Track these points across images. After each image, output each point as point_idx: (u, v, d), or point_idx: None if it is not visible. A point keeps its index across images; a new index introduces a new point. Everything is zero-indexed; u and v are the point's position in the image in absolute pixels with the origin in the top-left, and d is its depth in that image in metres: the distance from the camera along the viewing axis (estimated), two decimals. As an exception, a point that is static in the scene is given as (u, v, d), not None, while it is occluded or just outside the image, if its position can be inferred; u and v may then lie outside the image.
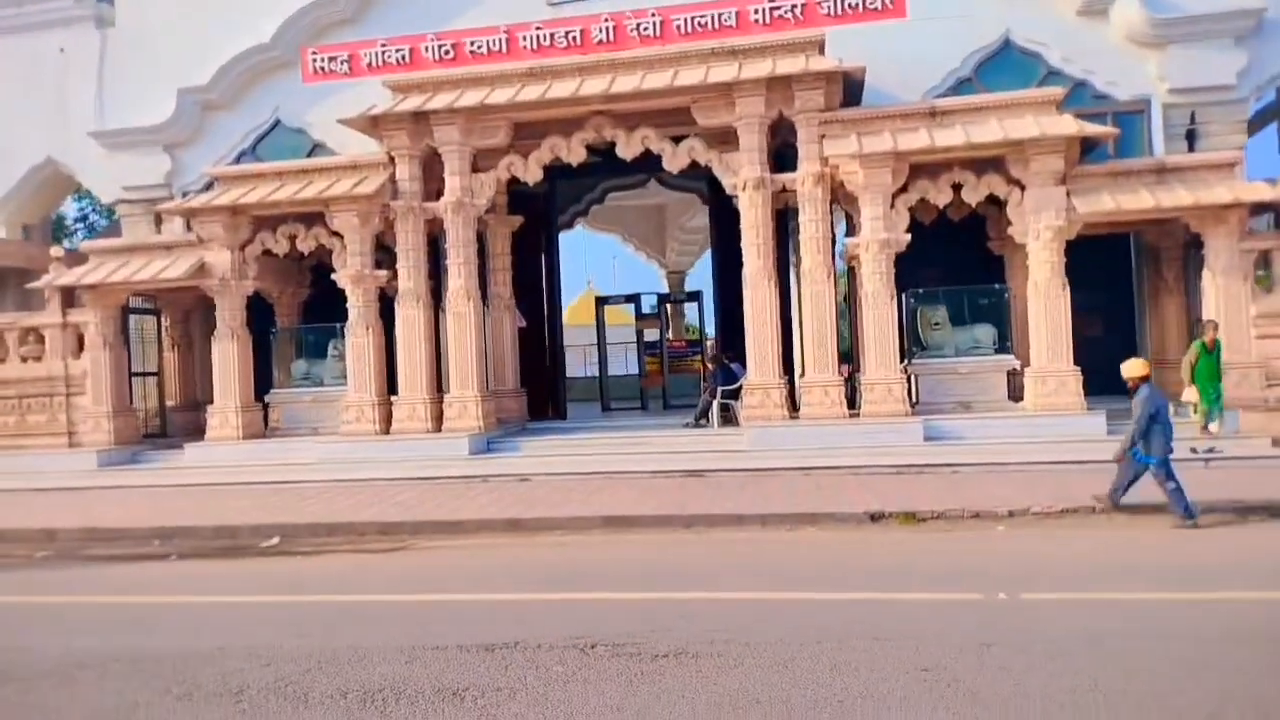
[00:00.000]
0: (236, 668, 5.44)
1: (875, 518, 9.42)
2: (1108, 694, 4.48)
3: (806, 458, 12.48)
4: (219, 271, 14.85)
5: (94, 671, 5.53)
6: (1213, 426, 11.81)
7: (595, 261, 37.37)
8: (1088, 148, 13.32)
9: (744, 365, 15.14)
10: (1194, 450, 11.45)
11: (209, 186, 16.18)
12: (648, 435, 14.17)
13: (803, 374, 14.23)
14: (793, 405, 13.79)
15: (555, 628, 5.95)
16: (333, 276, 14.73)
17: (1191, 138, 14.41)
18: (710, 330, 20.61)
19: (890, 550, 8.26)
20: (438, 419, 14.47)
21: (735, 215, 15.91)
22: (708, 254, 31.26)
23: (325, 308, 16.13)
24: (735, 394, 14.65)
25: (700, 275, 31.41)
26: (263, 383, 15.68)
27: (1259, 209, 12.72)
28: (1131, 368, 9.43)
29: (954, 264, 14.61)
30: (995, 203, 13.93)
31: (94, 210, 32.22)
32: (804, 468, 12.24)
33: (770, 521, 9.52)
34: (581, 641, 5.61)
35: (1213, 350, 11.83)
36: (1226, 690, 4.54)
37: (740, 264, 16.92)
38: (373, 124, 14.38)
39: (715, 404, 14.56)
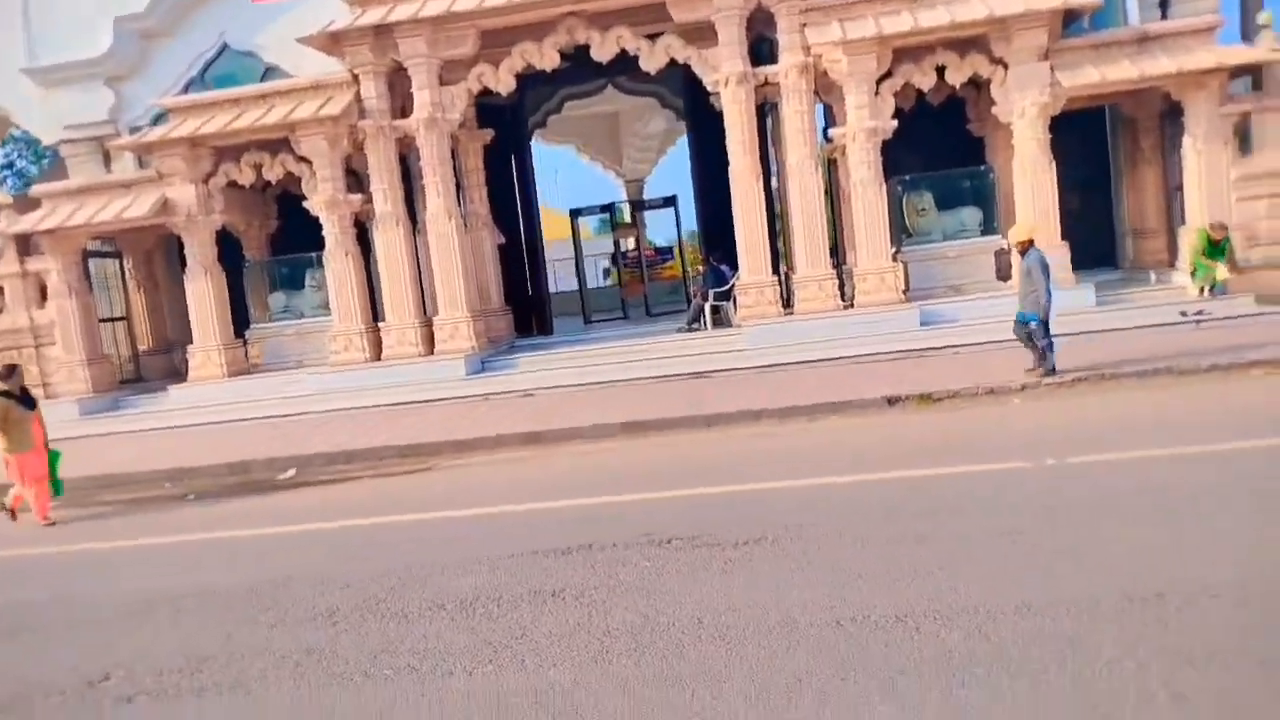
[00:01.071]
0: (315, 593, 5.41)
1: (892, 401, 9.58)
2: (1188, 539, 4.67)
3: (805, 351, 12.58)
4: (184, 207, 14.24)
5: (168, 608, 5.46)
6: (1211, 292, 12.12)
7: (541, 178, 36.65)
8: (1068, 21, 13.22)
9: (730, 266, 15.11)
10: (1183, 314, 11.85)
11: (159, 119, 15.37)
12: (644, 342, 14.13)
13: (789, 271, 14.25)
14: (784, 301, 13.82)
15: (621, 528, 5.99)
16: (304, 205, 14.24)
17: (1165, 4, 14.35)
18: (685, 236, 20.41)
19: (919, 430, 8.42)
20: (429, 342, 14.27)
21: (709, 114, 15.70)
22: (664, 159, 31.03)
23: (294, 239, 15.65)
24: (726, 295, 14.63)
25: (660, 181, 31.10)
26: (239, 319, 15.25)
27: (1236, 73, 12.80)
28: (1020, 231, 9.70)
29: (935, 149, 14.57)
30: (974, 84, 13.86)
31: (20, 156, 30.59)
32: (805, 361, 12.36)
33: (789, 414, 9.63)
34: (654, 538, 5.66)
35: (1219, 245, 12.02)
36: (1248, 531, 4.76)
37: (717, 164, 16.83)
38: (333, 41, 13.69)
39: (707, 306, 14.52)
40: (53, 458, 9.02)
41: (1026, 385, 9.46)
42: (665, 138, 28.81)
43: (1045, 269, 9.57)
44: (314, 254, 14.77)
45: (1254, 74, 12.89)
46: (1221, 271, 12.01)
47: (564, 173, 37.83)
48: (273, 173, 14.33)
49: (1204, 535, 4.72)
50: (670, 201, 18.57)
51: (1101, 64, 12.62)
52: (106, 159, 16.57)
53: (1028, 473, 6.34)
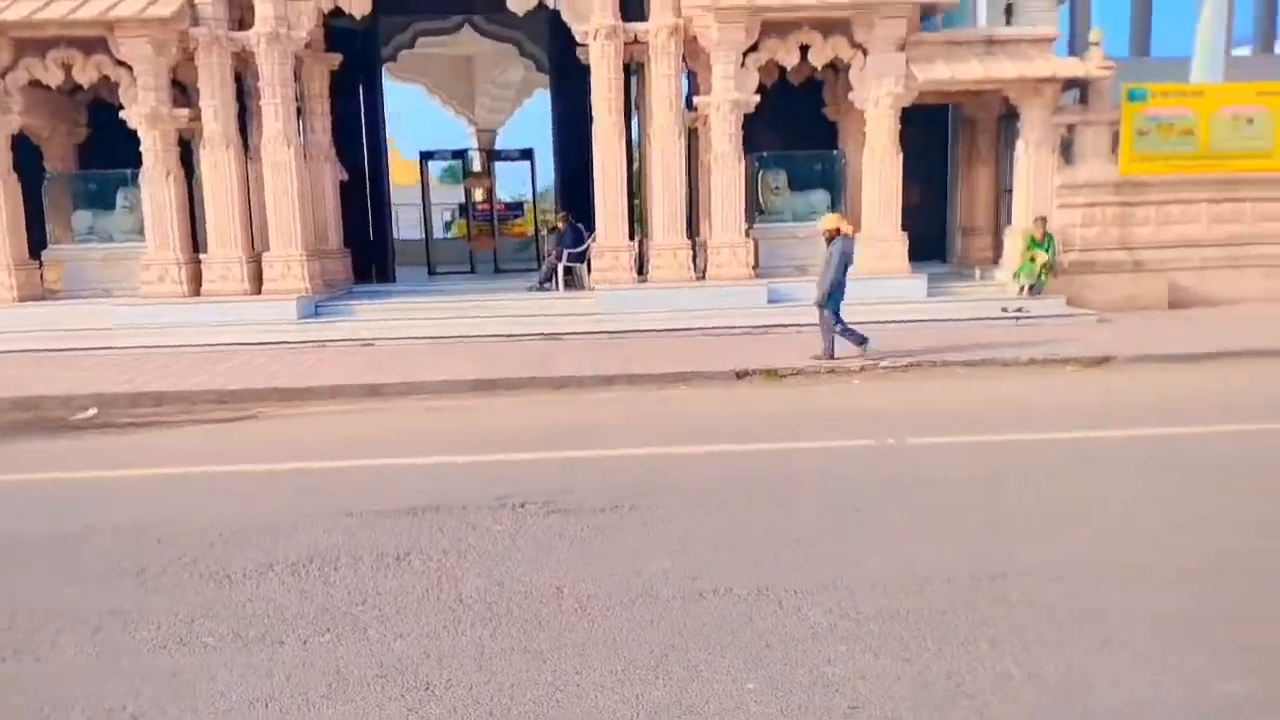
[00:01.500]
0: (120, 548, 4.83)
1: (740, 375, 9.70)
2: (1026, 520, 4.92)
3: (657, 320, 12.57)
4: (-28, 103, 12.49)
5: (-64, 562, 4.73)
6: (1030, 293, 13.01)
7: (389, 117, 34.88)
8: (924, 16, 13.70)
9: (589, 227, 14.87)
10: (1004, 310, 12.66)
11: (-55, -2, 13.33)
12: (493, 298, 13.70)
13: (643, 238, 14.17)
14: (638, 268, 13.74)
15: (472, 489, 5.71)
16: (120, 115, 12.79)
17: (1009, 11, 15.11)
18: (533, 191, 19.93)
19: (768, 405, 8.55)
20: (256, 280, 13.25)
21: (572, 68, 15.31)
22: (519, 111, 30.19)
23: (105, 152, 14.08)
24: (580, 257, 14.39)
25: (514, 134, 30.29)
26: (34, 238, 13.61)
27: (1068, 85, 13.70)
28: (827, 221, 10.29)
29: (791, 130, 14.81)
30: (833, 68, 14.17)
31: None
32: (655, 330, 12.35)
33: (640, 381, 9.56)
34: (507, 501, 5.42)
35: (1042, 242, 12.93)
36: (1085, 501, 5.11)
37: (577, 121, 16.48)
38: (164, -66, 12.29)
39: (560, 267, 14.23)
40: None
41: (865, 366, 9.81)
42: (522, 88, 27.99)
43: (843, 260, 9.95)
44: (129, 171, 13.34)
45: (1082, 88, 13.84)
46: (1041, 257, 12.91)
47: (411, 115, 36.21)
48: (85, 75, 12.77)
49: (1042, 517, 4.98)
50: (527, 154, 18.07)
51: (952, 61, 13.18)
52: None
53: (872, 451, 6.53)
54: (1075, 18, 18.07)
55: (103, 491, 6.15)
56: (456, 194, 27.23)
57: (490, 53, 23.99)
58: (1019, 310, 12.57)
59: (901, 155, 13.30)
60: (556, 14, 13.79)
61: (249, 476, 6.38)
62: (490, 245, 17.93)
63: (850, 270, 10.15)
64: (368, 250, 16.01)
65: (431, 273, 17.73)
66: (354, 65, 15.25)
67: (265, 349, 11.74)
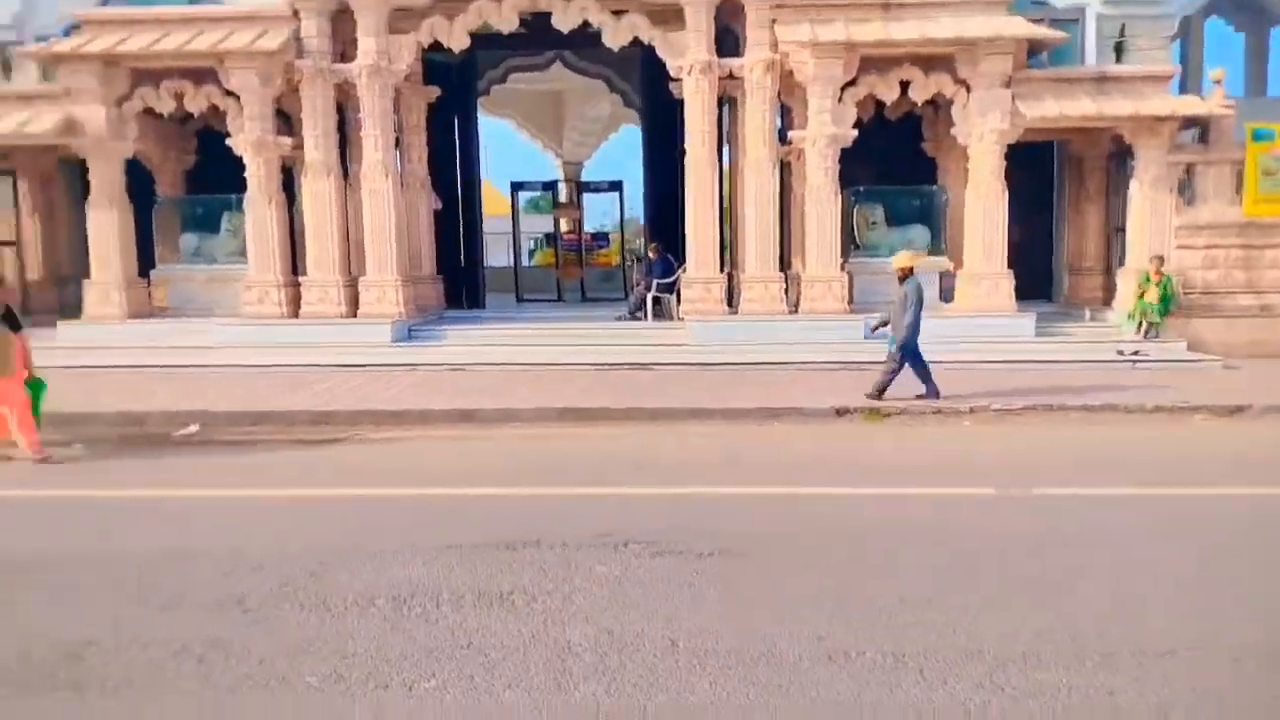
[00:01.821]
0: (222, 573, 4.74)
1: (841, 413, 9.34)
2: (1187, 589, 4.46)
3: (748, 353, 12.28)
4: (93, 129, 13.00)
5: (38, 580, 4.71)
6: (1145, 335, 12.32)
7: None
8: (1030, 53, 13.25)
9: (676, 258, 14.73)
10: (1120, 352, 12.00)
11: (71, 31, 14.01)
12: (583, 326, 13.59)
13: (733, 270, 13.92)
14: (728, 300, 13.50)
15: (571, 525, 5.50)
16: (227, 143, 13.18)
17: (1120, 50, 14.54)
18: (620, 222, 19.93)
19: (871, 445, 8.17)
20: (352, 304, 13.43)
21: (662, 103, 15.27)
22: (605, 145, 30.42)
23: (212, 178, 14.52)
24: (669, 288, 14.22)
25: (599, 167, 30.50)
26: (143, 258, 14.08)
27: (1185, 124, 13.05)
28: (901, 259, 9.84)
29: (888, 165, 14.44)
30: (933, 104, 13.80)
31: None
32: (746, 363, 12.05)
33: (735, 416, 9.28)
34: (609, 539, 5.19)
35: (1158, 282, 12.28)
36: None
37: (665, 154, 16.42)
38: (277, -31, 12.70)
39: (649, 297, 14.07)
40: (36, 388, 8.07)
41: (975, 408, 9.33)
42: (609, 123, 28.22)
43: (919, 299, 9.55)
44: (233, 196, 13.71)
45: (1201, 127, 13.17)
46: (1152, 294, 12.23)
47: (501, 147, 36.94)
48: (195, 104, 13.22)
49: (1205, 584, 4.52)
50: (616, 186, 18.07)
51: (1061, 98, 12.66)
52: (5, 69, 15.05)
53: (993, 500, 6.11)
54: (1187, 57, 17.30)
55: (204, 511, 6.14)
56: (541, 224, 27.50)
57: (580, 88, 24.24)
58: (1135, 353, 11.90)
59: (1006, 191, 12.81)
60: (649, 50, 13.78)
61: (345, 502, 6.30)
62: (578, 274, 17.92)
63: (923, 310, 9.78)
64: (459, 277, 16.14)
65: (520, 300, 17.79)
66: (450, 98, 15.47)
67: (360, 371, 11.83)
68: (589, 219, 19.87)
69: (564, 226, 19.07)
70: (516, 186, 17.97)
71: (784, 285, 13.26)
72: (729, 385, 10.62)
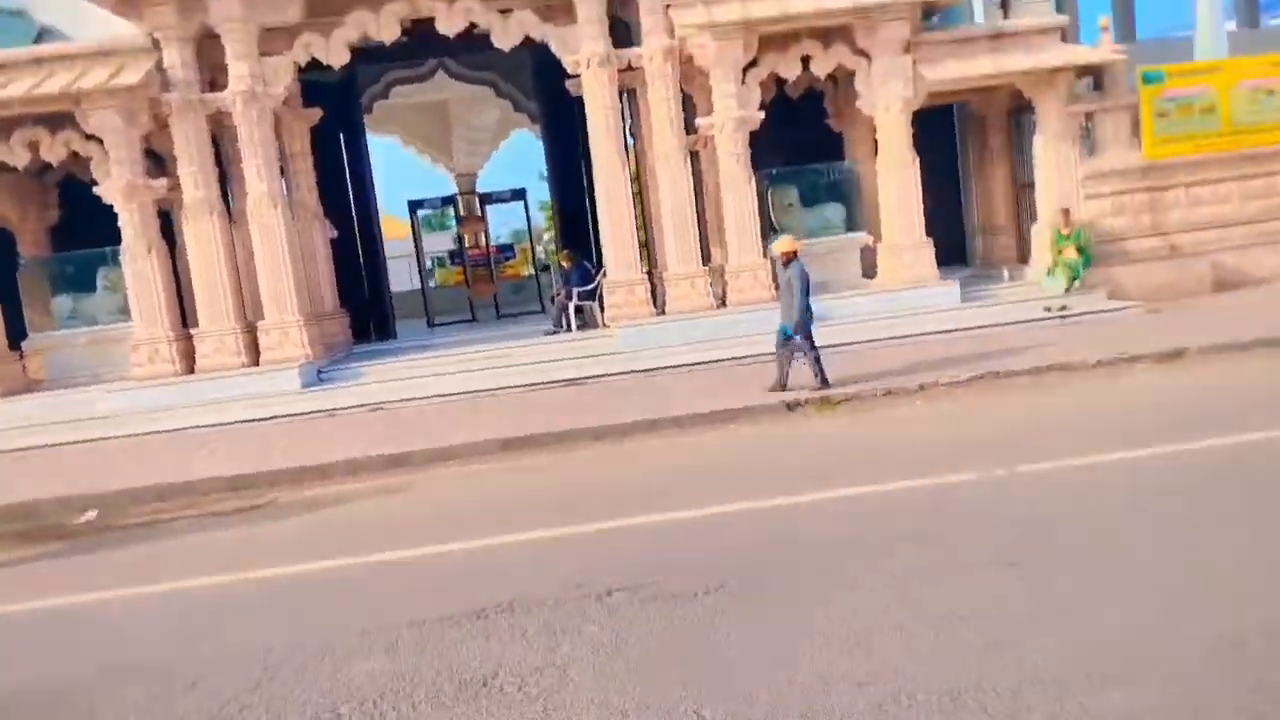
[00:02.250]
0: (145, 697, 4.03)
1: (791, 407, 9.00)
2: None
3: (681, 354, 11.88)
4: (-65, 192, 11.74)
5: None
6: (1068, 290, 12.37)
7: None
8: (924, 15, 13.19)
9: (591, 263, 14.22)
10: (1047, 310, 12.03)
11: (-102, 84, 12.60)
12: (503, 346, 12.94)
13: (651, 269, 13.48)
14: (654, 300, 13.06)
15: (542, 577, 4.95)
16: (94, 191, 12.05)
17: (1005, 6, 14.66)
18: (529, 230, 19.31)
19: (835, 438, 7.84)
20: (253, 350, 12.48)
21: (556, 103, 14.73)
22: (496, 153, 29.68)
23: (80, 232, 13.29)
24: (590, 295, 13.68)
25: (493, 176, 29.71)
26: (12, 329, 12.80)
27: (1080, 74, 13.18)
28: (782, 244, 9.70)
29: (794, 144, 14.21)
30: (832, 78, 13.63)
31: None
32: (683, 364, 11.65)
33: (686, 423, 8.83)
34: (588, 589, 4.67)
35: (1069, 235, 12.36)
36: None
37: (569, 156, 15.89)
38: (127, 1, 11.63)
39: (571, 306, 13.51)
40: None
41: (924, 385, 9.11)
42: (498, 129, 27.45)
43: (805, 282, 9.39)
44: (107, 249, 12.59)
45: (1095, 76, 13.33)
46: (1071, 251, 12.32)
47: (389, 166, 35.68)
48: (53, 153, 12.03)
49: (1251, 555, 4.26)
50: (519, 194, 17.44)
51: (961, 59, 12.65)
52: None
53: (984, 485, 5.81)
54: (1062, 7, 17.67)
55: (117, 617, 5.34)
56: (442, 241, 26.60)
57: (465, 97, 23.43)
58: (1062, 309, 11.94)
59: (917, 159, 12.72)
60: (539, 50, 13.23)
61: (278, 584, 5.57)
62: (490, 290, 17.20)
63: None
64: (364, 308, 15.26)
65: (431, 324, 16.99)
66: (333, 119, 14.57)
67: (271, 424, 10.96)
68: (492, 231, 19.17)
69: (469, 241, 18.30)
70: (415, 205, 17.13)
71: (708, 279, 12.89)
72: (670, 390, 10.19)
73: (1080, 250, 12.44)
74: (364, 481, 8.26)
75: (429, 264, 27.68)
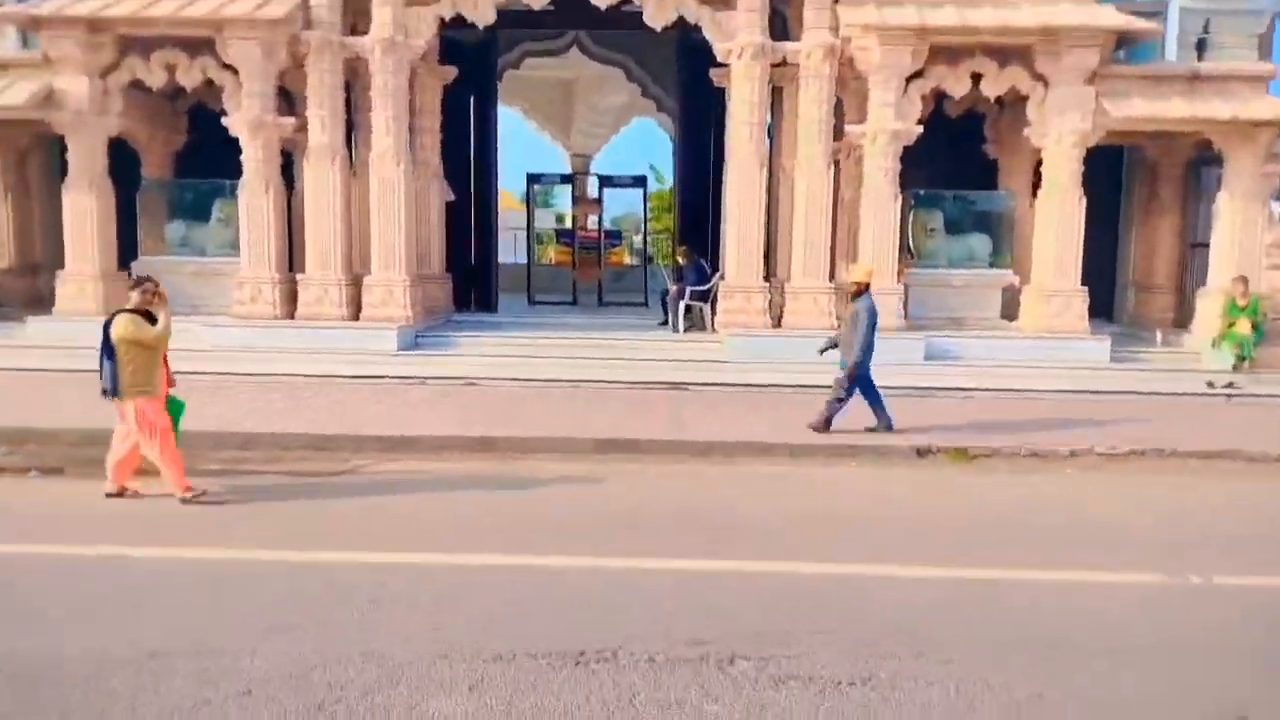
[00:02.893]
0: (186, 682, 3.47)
1: (921, 453, 8.11)
2: None
3: (794, 373, 11.01)
4: (73, 102, 11.68)
5: None
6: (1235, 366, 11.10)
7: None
8: (1116, 45, 12.02)
9: (708, 262, 13.48)
10: (1210, 385, 10.80)
11: (53, -7, 12.65)
12: (607, 337, 12.32)
13: (771, 277, 12.63)
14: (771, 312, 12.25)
15: (649, 621, 4.26)
16: (222, 122, 11.87)
17: (1201, 47, 13.34)
18: (644, 220, 18.65)
19: (976, 497, 6.94)
20: (354, 304, 12.14)
21: (699, 94, 14.04)
22: (616, 137, 29.22)
23: (204, 161, 13.19)
24: (704, 296, 12.95)
25: (608, 160, 29.24)
26: (127, 247, 12.75)
27: (1282, 131, 11.82)
28: (859, 272, 8.77)
29: (943, 167, 13.18)
30: (997, 101, 12.57)
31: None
32: (795, 385, 10.79)
33: (802, 453, 8.05)
34: (707, 651, 3.96)
35: (1245, 306, 11.09)
36: None
37: (699, 151, 15.16)
38: (282, -70, 11.37)
39: (682, 305, 12.79)
40: (175, 409, 6.71)
41: (1075, 452, 8.10)
42: (620, 114, 26.98)
43: (873, 319, 8.43)
44: (226, 182, 12.41)
45: (1296, 135, 11.94)
46: (1245, 325, 11.05)
47: (504, 137, 35.51)
48: (189, 78, 11.88)
49: None
50: (640, 182, 16.78)
51: (1150, 98, 11.44)
52: (-19, 33, 13.68)
53: (1173, 594, 4.86)
54: (1269, 58, 16.14)
55: (159, 584, 4.85)
56: (541, 219, 26.23)
57: (593, 76, 22.98)
58: (1228, 386, 10.68)
59: (1084, 199, 11.59)
60: (684, 35, 12.54)
61: (349, 574, 4.97)
62: (596, 275, 16.59)
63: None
64: (469, 276, 14.83)
65: (531, 302, 16.49)
66: (466, 81, 14.15)
67: (362, 384, 10.55)
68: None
69: (578, 222, 17.73)
70: (533, 179, 16.61)
71: (832, 297, 12.02)
72: (781, 412, 9.39)
73: (1255, 325, 11.15)
74: (450, 462, 7.73)
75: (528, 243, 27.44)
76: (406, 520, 6.09)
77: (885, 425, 8.53)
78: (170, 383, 6.76)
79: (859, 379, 8.51)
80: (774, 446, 8.07)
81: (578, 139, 28.16)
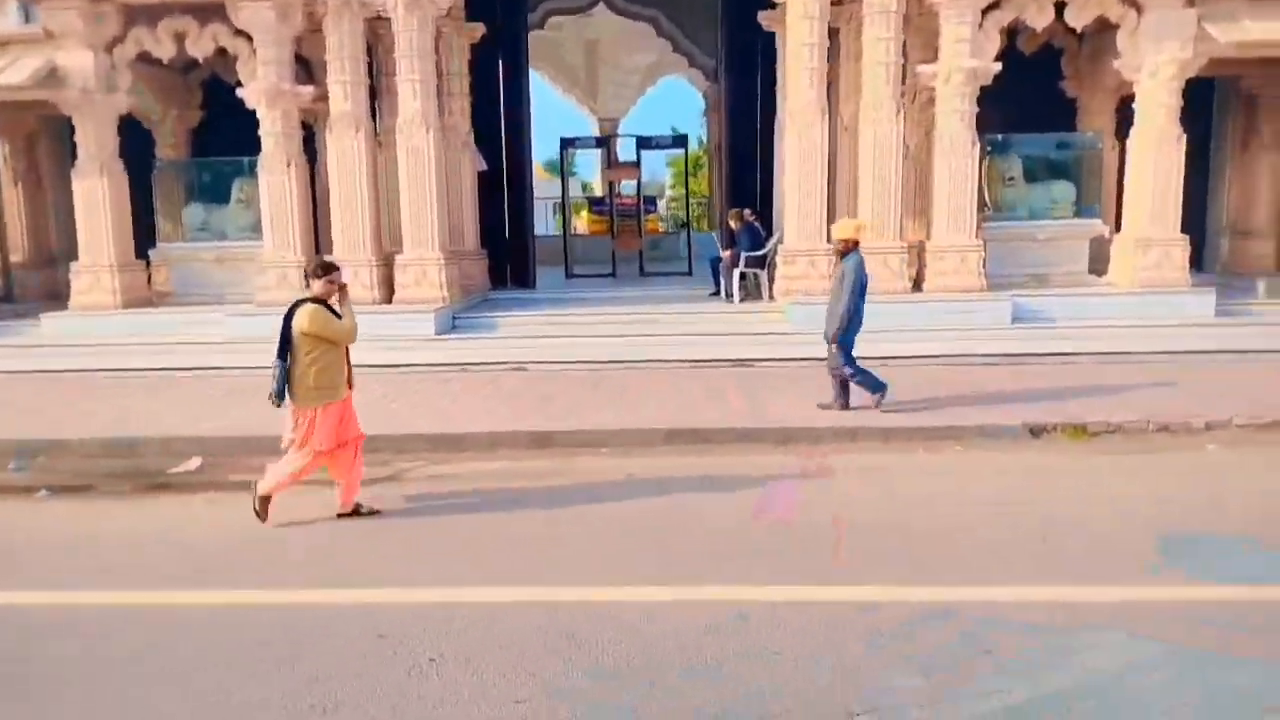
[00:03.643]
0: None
1: (1035, 432, 7.14)
2: None
3: (867, 344, 9.98)
4: (78, 79, 10.90)
5: None
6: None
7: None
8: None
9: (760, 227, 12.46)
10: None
11: (52, -37, 11.82)
12: (655, 311, 11.41)
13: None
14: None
15: (796, 687, 3.38)
16: (238, 93, 11.02)
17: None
18: (686, 182, 17.60)
19: (1112, 484, 5.95)
20: (386, 285, 11.34)
21: (741, 45, 12.99)
22: (643, 98, 28.12)
23: (222, 138, 12.38)
24: (760, 261, 11.96)
25: (635, 122, 28.15)
26: (141, 235, 12.00)
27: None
28: (846, 228, 7.62)
29: (1018, 110, 11.99)
30: (1076, 34, 11.38)
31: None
32: (868, 357, 9.79)
33: (897, 438, 7.13)
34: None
35: None
36: None
37: (745, 106, 14.08)
38: (290, -121, 10.41)
39: (737, 273, 11.80)
40: None
41: (1211, 425, 7.10)
42: (647, 73, 25.87)
43: (859, 283, 7.41)
44: (245, 160, 11.62)
45: None
46: None
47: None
48: (199, 47, 11.04)
49: None
50: (680, 141, 15.72)
51: (1264, 19, 10.19)
52: (-20, 11, 12.90)
53: None
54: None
55: (154, 621, 4.07)
56: (575, 186, 25.25)
57: (618, 35, 21.89)
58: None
59: (1184, 137, 10.44)
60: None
61: (396, 621, 4.18)
62: (637, 245, 15.61)
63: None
64: (505, 251, 13.93)
65: (569, 275, 15.59)
66: (493, 42, 13.15)
67: (400, 373, 9.75)
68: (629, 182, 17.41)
69: (613, 189, 16.73)
70: (566, 143, 15.59)
71: (905, 257, 11.00)
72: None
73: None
74: (503, 461, 6.93)
75: (559, 211, 26.54)
76: (460, 535, 5.25)
77: (842, 405, 7.62)
78: (350, 384, 5.84)
79: (840, 346, 7.54)
80: (866, 431, 7.15)
81: (604, 101, 27.07)
